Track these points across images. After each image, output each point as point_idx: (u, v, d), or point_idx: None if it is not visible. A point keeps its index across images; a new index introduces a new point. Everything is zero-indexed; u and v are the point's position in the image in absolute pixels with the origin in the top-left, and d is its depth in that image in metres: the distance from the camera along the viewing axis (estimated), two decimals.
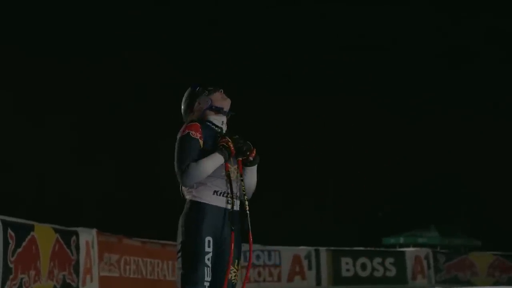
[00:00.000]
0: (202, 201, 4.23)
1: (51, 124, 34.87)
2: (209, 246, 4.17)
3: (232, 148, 4.27)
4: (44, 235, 10.44)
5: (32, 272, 9.86)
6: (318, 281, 18.57)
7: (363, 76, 43.48)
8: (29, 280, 9.77)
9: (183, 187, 4.33)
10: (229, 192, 4.28)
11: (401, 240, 33.49)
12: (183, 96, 4.58)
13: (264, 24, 42.13)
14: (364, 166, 38.92)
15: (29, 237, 9.82)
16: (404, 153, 40.88)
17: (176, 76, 34.56)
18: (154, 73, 38.06)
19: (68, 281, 11.25)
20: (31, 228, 9.96)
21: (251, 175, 4.44)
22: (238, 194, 4.34)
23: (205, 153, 4.24)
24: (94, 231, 12.63)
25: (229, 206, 4.27)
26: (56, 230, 10.95)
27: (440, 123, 43.01)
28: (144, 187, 35.11)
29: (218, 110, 4.44)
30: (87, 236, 12.23)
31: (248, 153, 4.35)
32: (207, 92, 4.47)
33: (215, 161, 4.22)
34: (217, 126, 4.40)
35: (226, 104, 4.47)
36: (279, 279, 17.90)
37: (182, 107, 4.51)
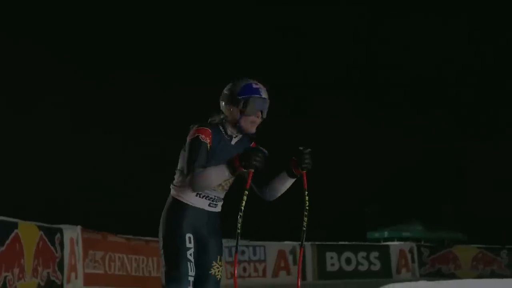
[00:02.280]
0: (183, 200, 4.22)
1: (35, 120, 34.73)
2: (190, 242, 4.16)
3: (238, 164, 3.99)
4: (28, 232, 10.39)
5: (16, 270, 9.82)
6: (303, 275, 18.62)
7: (348, 72, 43.65)
8: (13, 278, 9.73)
9: (173, 181, 4.33)
10: (213, 197, 4.28)
11: (386, 234, 33.66)
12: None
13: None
14: (349, 161, 39.04)
15: (12, 234, 9.77)
16: (389, 148, 41.04)
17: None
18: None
19: (52, 278, 11.21)
20: (15, 225, 9.91)
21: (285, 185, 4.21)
22: (222, 197, 4.35)
23: (209, 159, 4.10)
24: (78, 228, 12.59)
25: (210, 209, 4.27)
26: (40, 228, 10.90)
27: (420, 118, 43.25)
28: (127, 183, 35.03)
29: (240, 131, 4.21)
30: (72, 233, 12.19)
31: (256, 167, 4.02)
32: (243, 105, 4.15)
33: (219, 173, 4.01)
34: (228, 134, 4.22)
35: (250, 128, 4.18)
36: (264, 275, 17.93)
37: (222, 102, 4.24)
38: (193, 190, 4.10)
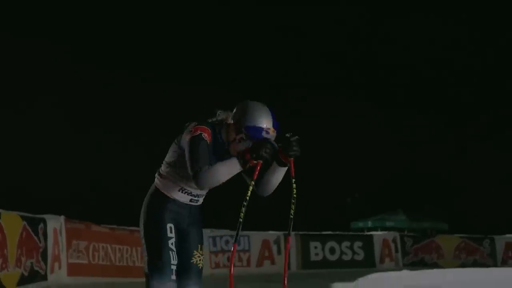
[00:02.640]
0: (166, 194, 4.23)
1: (19, 109, 34.56)
2: (171, 232, 4.17)
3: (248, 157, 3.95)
4: (11, 222, 10.34)
5: None
6: (288, 265, 18.66)
7: (333, 63, 43.69)
8: None
9: (160, 170, 4.30)
10: (196, 194, 4.28)
11: (370, 224, 33.78)
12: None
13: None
14: (334, 151, 39.16)
15: None
16: (373, 139, 41.21)
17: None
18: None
19: (36, 268, 11.17)
20: None
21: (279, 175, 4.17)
22: (204, 194, 4.34)
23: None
24: (62, 218, 12.55)
25: (192, 203, 4.28)
26: (23, 218, 10.85)
27: (405, 110, 43.41)
28: (111, 173, 34.94)
29: (225, 144, 4.16)
30: (55, 223, 12.15)
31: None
32: (241, 137, 4.08)
33: (230, 167, 3.97)
34: (221, 139, 4.16)
35: (232, 152, 4.10)
36: (248, 264, 17.97)
37: (231, 115, 4.15)
38: (201, 188, 4.05)
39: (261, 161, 3.99)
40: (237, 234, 4.06)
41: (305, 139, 4.07)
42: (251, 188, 4.05)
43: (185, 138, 4.11)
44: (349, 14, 43.38)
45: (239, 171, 4.03)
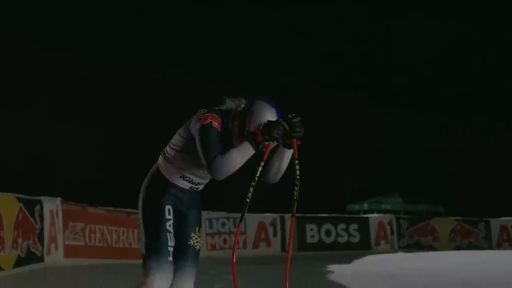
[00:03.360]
0: (168, 178, 4.23)
1: (16, 93, 34.49)
2: (169, 214, 4.17)
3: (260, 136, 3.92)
4: (7, 204, 10.35)
5: None
6: (283, 247, 18.75)
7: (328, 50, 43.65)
8: None
9: (165, 150, 4.27)
10: (197, 182, 4.27)
11: (365, 206, 33.91)
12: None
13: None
14: (330, 133, 39.15)
15: None
16: (369, 120, 41.22)
17: None
18: None
19: (32, 250, 11.20)
20: None
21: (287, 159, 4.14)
22: (206, 182, 4.33)
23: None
24: (58, 200, 12.56)
25: (192, 189, 4.28)
26: (19, 199, 10.86)
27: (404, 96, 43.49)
28: (108, 155, 34.94)
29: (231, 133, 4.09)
30: (51, 205, 12.16)
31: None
32: (243, 134, 4.02)
33: (243, 152, 3.95)
34: (229, 128, 4.10)
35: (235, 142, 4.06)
36: (244, 246, 18.03)
37: (244, 109, 4.06)
38: (217, 178, 4.00)
39: (272, 143, 3.96)
40: (243, 214, 4.03)
41: (302, 122, 4.05)
42: (260, 168, 4.01)
43: (195, 125, 4.05)
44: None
45: (252, 155, 3.99)
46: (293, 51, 42.72)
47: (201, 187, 4.34)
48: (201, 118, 4.03)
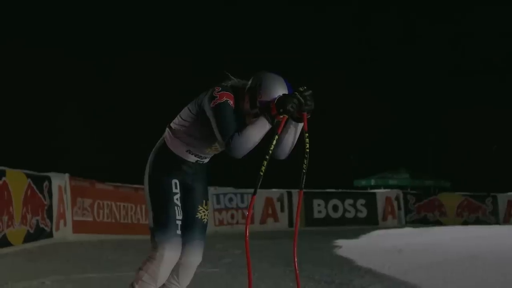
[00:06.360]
0: (174, 151, 4.23)
1: (25, 69, 34.48)
2: (176, 188, 4.17)
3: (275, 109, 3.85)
4: (16, 180, 10.41)
5: (5, 217, 9.87)
6: (291, 222, 18.82)
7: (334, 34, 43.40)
8: (3, 225, 9.78)
9: (174, 122, 4.25)
10: (203, 156, 4.26)
11: (372, 182, 33.88)
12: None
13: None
14: (337, 109, 39.08)
15: (0, 182, 9.79)
16: (376, 96, 41.10)
17: None
18: None
19: (41, 226, 11.28)
20: (3, 173, 9.91)
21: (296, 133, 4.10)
22: (212, 156, 4.33)
23: None
24: (66, 176, 12.62)
25: (198, 163, 4.27)
26: (28, 175, 10.91)
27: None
28: (115, 131, 35.00)
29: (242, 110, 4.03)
30: (60, 181, 12.22)
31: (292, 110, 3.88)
32: (260, 109, 3.94)
33: (260, 127, 3.89)
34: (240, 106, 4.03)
35: (250, 121, 3.97)
36: (252, 222, 18.10)
37: (247, 92, 4.00)
38: (236, 156, 3.95)
39: (287, 116, 3.92)
40: (256, 187, 3.98)
41: (313, 95, 4.00)
42: (274, 141, 3.96)
43: (208, 102, 3.99)
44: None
45: (268, 130, 3.94)
46: (303, 31, 42.62)
47: (206, 160, 4.33)
48: (216, 97, 3.97)
